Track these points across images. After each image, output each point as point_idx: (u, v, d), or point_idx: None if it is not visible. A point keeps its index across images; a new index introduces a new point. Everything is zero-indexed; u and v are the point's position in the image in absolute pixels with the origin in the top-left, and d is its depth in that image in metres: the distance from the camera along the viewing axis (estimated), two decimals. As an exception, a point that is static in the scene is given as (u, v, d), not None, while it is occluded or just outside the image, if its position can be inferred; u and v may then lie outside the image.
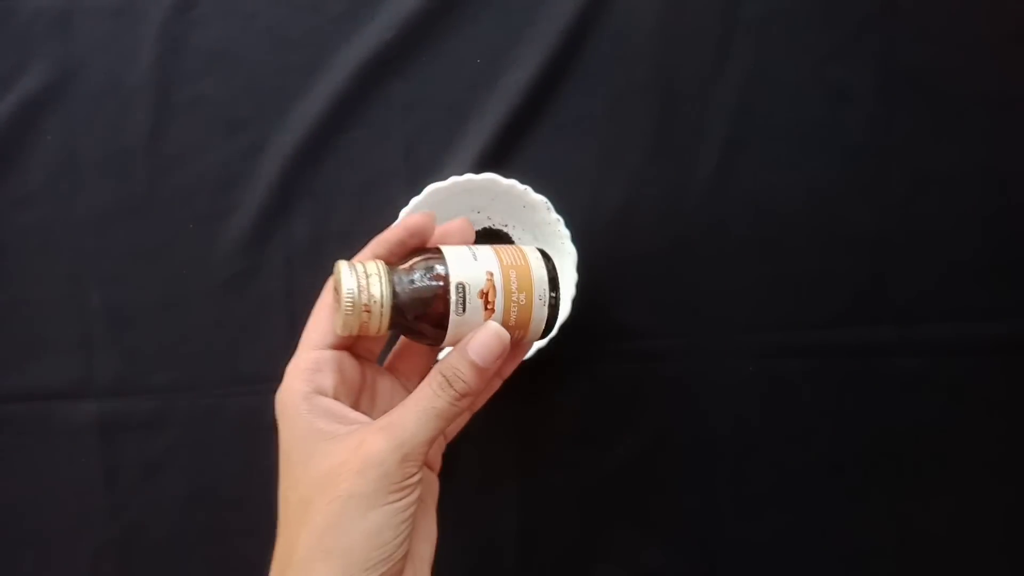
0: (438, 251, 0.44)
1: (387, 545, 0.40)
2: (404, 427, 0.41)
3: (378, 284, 0.42)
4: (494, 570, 0.62)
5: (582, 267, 0.58)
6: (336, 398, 0.43)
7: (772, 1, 0.61)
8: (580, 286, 0.58)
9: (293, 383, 0.43)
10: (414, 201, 0.58)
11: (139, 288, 0.62)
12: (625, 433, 0.62)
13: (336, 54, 0.62)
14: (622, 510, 0.62)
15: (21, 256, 0.62)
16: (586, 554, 0.62)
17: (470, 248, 0.44)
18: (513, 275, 0.43)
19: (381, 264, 0.43)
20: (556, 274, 0.44)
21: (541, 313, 0.44)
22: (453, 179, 0.58)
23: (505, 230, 0.61)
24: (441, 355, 0.51)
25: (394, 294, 0.43)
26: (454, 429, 0.49)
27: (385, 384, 0.48)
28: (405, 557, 0.42)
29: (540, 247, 0.46)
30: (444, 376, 0.42)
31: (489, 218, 0.61)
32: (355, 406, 0.45)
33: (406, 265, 0.44)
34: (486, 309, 0.43)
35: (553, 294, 0.44)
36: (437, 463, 0.49)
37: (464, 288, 0.43)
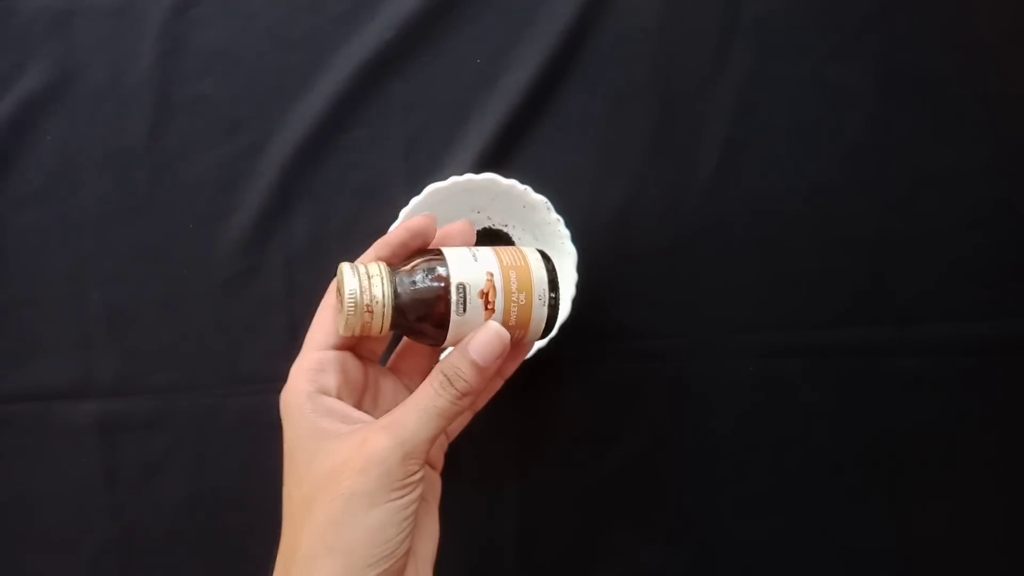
0: (439, 252, 0.44)
1: (389, 542, 0.41)
2: (406, 425, 0.42)
3: (380, 285, 0.43)
4: (494, 570, 0.62)
5: (582, 267, 0.58)
6: (339, 397, 0.44)
7: (772, 1, 0.61)
8: (580, 286, 0.58)
9: (297, 383, 0.44)
10: (414, 201, 0.58)
11: (139, 288, 0.62)
12: (625, 433, 0.62)
13: (336, 54, 0.62)
14: (622, 510, 0.62)
15: (21, 256, 0.62)
16: (586, 554, 0.62)
17: (470, 249, 0.45)
18: (513, 275, 0.44)
19: (383, 266, 0.44)
20: (556, 275, 0.45)
21: (541, 313, 0.44)
22: (453, 179, 0.58)
23: (505, 230, 0.61)
24: (443, 355, 0.51)
25: (395, 295, 0.43)
26: (456, 428, 0.50)
27: (388, 384, 0.48)
28: (407, 555, 0.42)
29: (540, 248, 0.46)
30: (445, 375, 0.43)
31: (489, 218, 0.61)
32: (358, 406, 0.45)
33: (408, 266, 0.44)
34: (486, 309, 0.43)
35: (553, 294, 0.44)
36: (439, 462, 0.49)
37: (464, 288, 0.43)
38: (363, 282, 0.43)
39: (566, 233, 0.58)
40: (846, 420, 0.61)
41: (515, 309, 0.44)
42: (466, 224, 0.48)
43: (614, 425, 0.62)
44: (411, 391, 0.45)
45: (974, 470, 0.61)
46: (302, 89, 0.62)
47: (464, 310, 0.43)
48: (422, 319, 0.43)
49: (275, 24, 0.62)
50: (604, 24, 0.61)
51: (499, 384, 0.50)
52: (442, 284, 0.43)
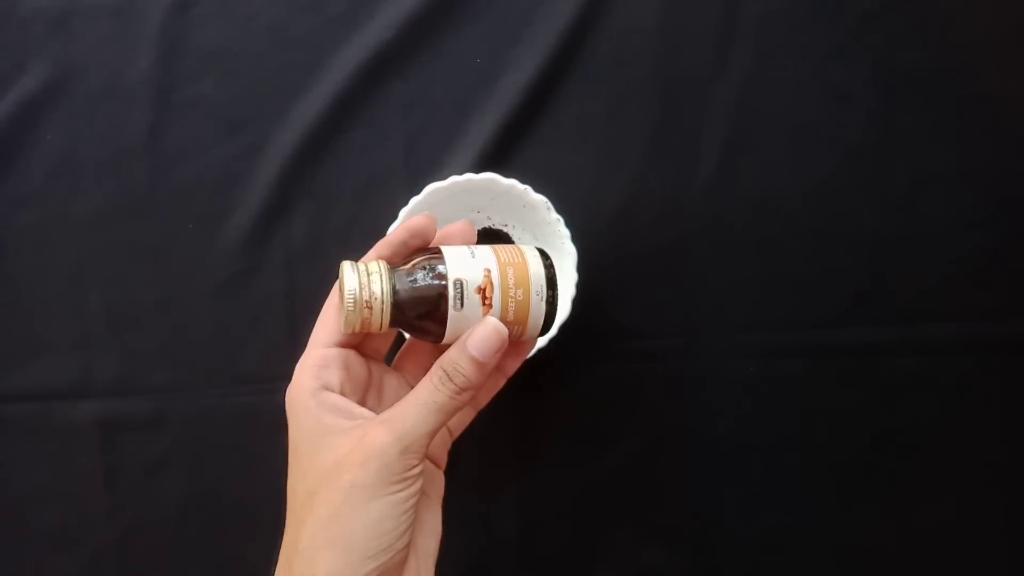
0: (438, 251, 0.45)
1: (388, 535, 0.41)
2: (405, 420, 0.42)
3: (379, 282, 0.43)
4: (494, 570, 0.62)
5: (582, 267, 0.58)
6: (343, 394, 0.45)
7: (772, 1, 0.61)
8: (580, 286, 0.58)
9: (301, 379, 0.44)
10: (414, 201, 0.58)
11: (139, 288, 0.62)
12: (625, 433, 0.62)
13: (336, 54, 0.62)
14: (622, 510, 0.62)
15: (21, 256, 0.62)
16: (586, 554, 0.62)
17: (469, 247, 0.45)
18: (510, 272, 0.44)
19: (383, 264, 0.44)
20: (554, 272, 0.45)
21: (539, 309, 0.45)
22: (453, 179, 0.58)
23: (505, 230, 0.61)
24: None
25: (394, 291, 0.44)
26: (459, 426, 0.50)
27: (391, 382, 0.49)
28: (407, 549, 0.43)
29: (539, 247, 0.47)
30: (444, 371, 0.43)
31: (489, 218, 0.61)
32: (362, 402, 0.46)
33: (407, 265, 0.45)
34: (484, 305, 0.44)
35: (551, 291, 0.45)
36: (443, 460, 0.50)
37: (462, 284, 0.43)
38: (362, 279, 0.43)
39: (566, 233, 0.58)
40: (846, 420, 0.61)
41: (512, 305, 0.44)
42: (466, 224, 0.48)
43: (614, 425, 0.62)
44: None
45: (974, 470, 0.61)
46: (302, 89, 0.62)
47: (462, 305, 0.43)
48: (421, 316, 0.44)
49: (275, 24, 0.62)
50: (604, 24, 0.61)
51: (502, 382, 0.50)
52: (440, 281, 0.43)
